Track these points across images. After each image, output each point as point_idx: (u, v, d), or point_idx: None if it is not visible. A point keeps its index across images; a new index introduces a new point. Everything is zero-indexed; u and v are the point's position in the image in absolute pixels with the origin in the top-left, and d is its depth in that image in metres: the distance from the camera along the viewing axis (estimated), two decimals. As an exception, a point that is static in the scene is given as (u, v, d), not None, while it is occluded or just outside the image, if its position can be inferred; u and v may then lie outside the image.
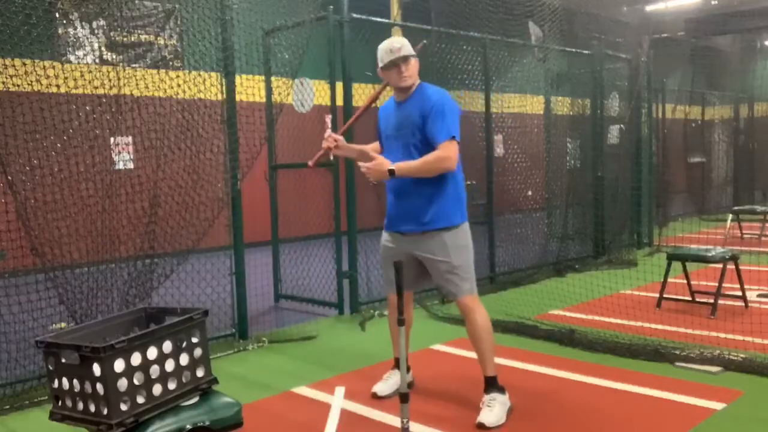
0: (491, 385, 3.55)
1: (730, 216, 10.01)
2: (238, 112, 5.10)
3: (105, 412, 2.47)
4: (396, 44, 3.51)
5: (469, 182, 3.76)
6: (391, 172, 3.37)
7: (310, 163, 3.72)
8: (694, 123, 14.06)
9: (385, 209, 3.77)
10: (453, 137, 3.39)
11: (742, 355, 4.26)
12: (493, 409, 3.43)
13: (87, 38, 4.89)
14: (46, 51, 4.43)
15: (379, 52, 3.55)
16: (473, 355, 3.69)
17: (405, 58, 3.49)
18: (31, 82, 4.12)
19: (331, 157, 3.80)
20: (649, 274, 6.42)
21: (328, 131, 3.74)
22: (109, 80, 4.55)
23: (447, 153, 3.38)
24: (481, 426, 3.37)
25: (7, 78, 4.03)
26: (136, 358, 2.55)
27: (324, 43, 5.99)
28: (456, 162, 3.45)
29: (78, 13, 4.89)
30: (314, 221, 6.87)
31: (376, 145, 3.89)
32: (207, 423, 2.69)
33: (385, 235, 3.78)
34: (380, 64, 3.55)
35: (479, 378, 3.64)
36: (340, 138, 3.70)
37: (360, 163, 3.55)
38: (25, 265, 4.24)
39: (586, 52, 8.48)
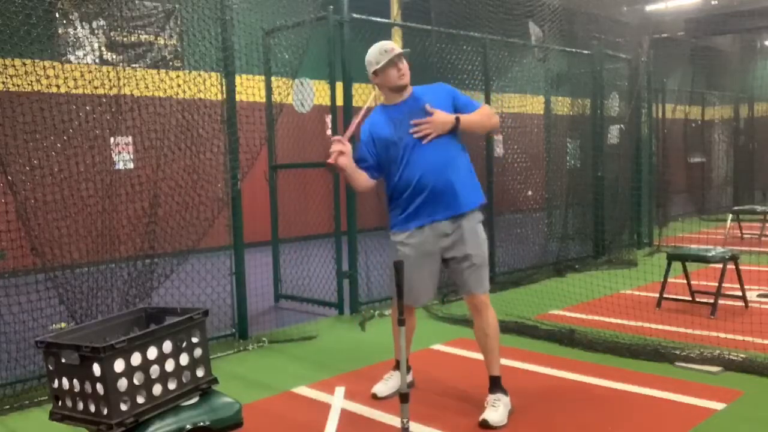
0: (496, 385, 3.56)
1: (730, 216, 10.02)
2: (238, 112, 5.10)
3: (105, 412, 2.47)
4: (388, 45, 3.56)
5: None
6: (457, 119, 3.48)
7: (330, 160, 3.46)
8: (694, 123, 14.06)
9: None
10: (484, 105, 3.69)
11: (742, 355, 4.26)
12: (498, 409, 3.43)
13: (87, 38, 4.89)
14: (46, 51, 4.43)
15: (371, 57, 3.55)
16: (473, 355, 3.69)
17: (400, 56, 3.53)
18: (31, 82, 4.12)
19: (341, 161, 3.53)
20: (649, 274, 6.42)
21: (337, 135, 3.61)
22: (109, 80, 4.55)
23: (492, 111, 3.67)
24: (484, 423, 3.38)
25: (7, 78, 4.03)
26: (136, 358, 2.54)
27: (324, 43, 5.99)
28: (498, 121, 3.78)
29: (78, 13, 4.89)
30: (314, 221, 6.88)
31: (364, 173, 3.68)
32: (207, 423, 2.69)
33: (409, 241, 3.56)
34: (376, 66, 3.53)
35: (479, 378, 3.64)
36: (348, 144, 3.54)
37: (415, 121, 3.46)
38: (25, 265, 4.24)
39: (586, 52, 8.48)
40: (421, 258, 3.54)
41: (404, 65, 3.55)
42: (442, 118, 3.47)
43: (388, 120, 3.61)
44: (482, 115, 3.60)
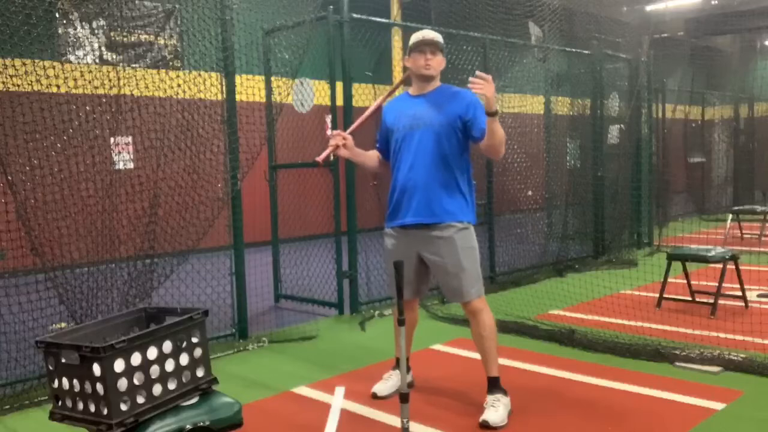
0: (495, 385, 3.55)
1: (730, 216, 10.01)
2: (238, 112, 5.10)
3: (105, 412, 2.47)
4: (429, 33, 3.55)
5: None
6: (496, 111, 3.26)
7: (318, 159, 3.50)
8: (694, 123, 14.06)
9: (385, 209, 3.74)
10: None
11: (742, 355, 4.26)
12: (498, 410, 3.43)
13: (87, 38, 4.89)
14: (46, 51, 4.43)
15: (411, 39, 3.56)
16: (473, 355, 3.69)
17: (433, 47, 3.51)
18: (31, 82, 4.12)
19: (341, 153, 3.57)
20: (649, 274, 6.42)
21: (332, 131, 3.65)
22: (109, 80, 4.55)
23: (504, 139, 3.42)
24: (485, 424, 3.37)
25: (7, 78, 4.03)
26: (136, 358, 2.55)
27: (324, 43, 5.99)
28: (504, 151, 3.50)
29: (78, 13, 4.90)
30: (314, 221, 6.87)
31: (377, 153, 3.81)
32: (207, 423, 2.69)
33: (389, 238, 3.69)
34: (409, 48, 3.55)
35: (479, 378, 3.64)
36: (349, 137, 3.57)
37: (478, 72, 3.24)
38: (25, 265, 4.24)
39: (586, 52, 8.48)
40: (401, 253, 3.54)
41: (435, 58, 3.52)
42: (493, 92, 3.23)
43: (398, 107, 3.67)
44: (502, 134, 3.37)
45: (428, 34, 3.54)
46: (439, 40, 3.54)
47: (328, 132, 3.67)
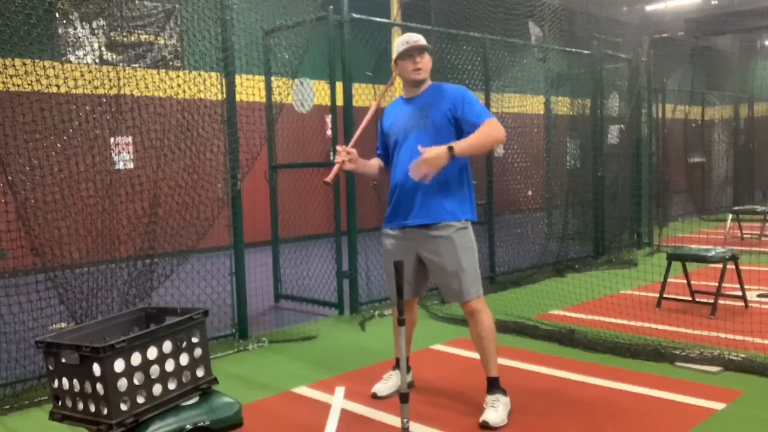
0: (494, 386, 3.55)
1: (730, 216, 10.02)
2: (238, 112, 5.10)
3: (105, 412, 2.47)
4: (413, 37, 3.56)
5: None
6: (450, 149, 3.26)
7: (328, 179, 3.44)
8: (694, 123, 14.06)
9: (385, 209, 3.74)
10: (492, 116, 3.49)
11: (742, 355, 4.26)
12: (497, 410, 3.43)
13: (87, 38, 4.89)
14: (46, 51, 4.43)
15: (395, 46, 3.58)
16: (473, 355, 3.68)
17: (420, 50, 3.52)
18: (31, 82, 4.12)
19: (347, 167, 3.56)
20: (649, 274, 6.42)
21: (336, 147, 3.65)
22: (109, 80, 4.55)
23: (494, 126, 3.41)
24: (485, 424, 3.37)
25: (7, 78, 4.03)
26: (136, 358, 2.55)
27: (324, 43, 5.99)
28: (504, 133, 3.47)
29: (78, 13, 4.89)
30: (314, 221, 6.87)
31: (378, 161, 3.82)
32: (207, 423, 2.69)
33: (388, 239, 3.69)
34: (395, 56, 3.56)
35: (479, 378, 3.64)
36: (353, 151, 3.56)
37: (411, 165, 3.31)
38: (25, 265, 4.24)
39: (586, 52, 8.48)
40: (400, 253, 3.55)
41: (423, 60, 3.53)
42: (433, 154, 3.25)
43: (393, 112, 3.70)
44: (480, 137, 3.38)
45: (411, 38, 3.54)
46: (424, 41, 3.55)
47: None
